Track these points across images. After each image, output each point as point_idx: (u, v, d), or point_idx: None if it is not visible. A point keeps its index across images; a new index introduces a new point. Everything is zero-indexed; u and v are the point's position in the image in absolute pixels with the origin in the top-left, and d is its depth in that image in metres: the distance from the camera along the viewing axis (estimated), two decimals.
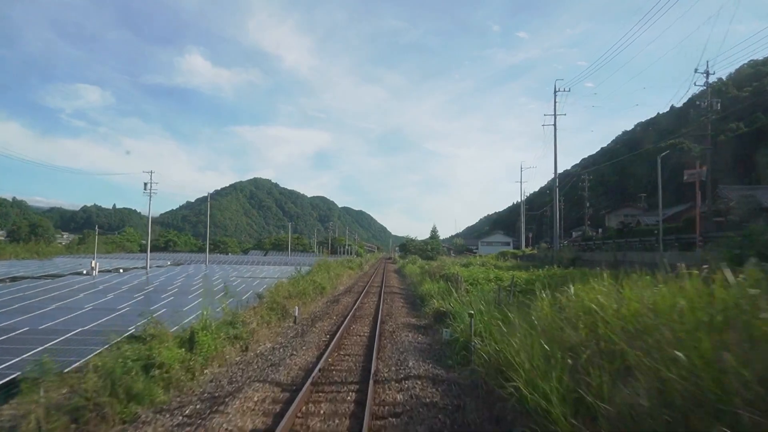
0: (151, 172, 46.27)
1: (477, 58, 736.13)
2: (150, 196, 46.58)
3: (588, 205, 61.51)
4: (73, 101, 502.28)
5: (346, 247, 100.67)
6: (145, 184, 45.76)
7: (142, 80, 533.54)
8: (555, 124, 30.72)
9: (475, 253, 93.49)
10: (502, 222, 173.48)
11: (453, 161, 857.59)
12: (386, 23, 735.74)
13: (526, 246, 70.04)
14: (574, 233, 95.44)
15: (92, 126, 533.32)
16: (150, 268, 50.93)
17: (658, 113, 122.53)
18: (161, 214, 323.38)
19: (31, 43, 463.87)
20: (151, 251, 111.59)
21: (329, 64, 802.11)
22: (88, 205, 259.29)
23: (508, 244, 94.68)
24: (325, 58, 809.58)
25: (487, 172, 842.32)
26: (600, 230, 50.37)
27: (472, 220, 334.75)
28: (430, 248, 75.46)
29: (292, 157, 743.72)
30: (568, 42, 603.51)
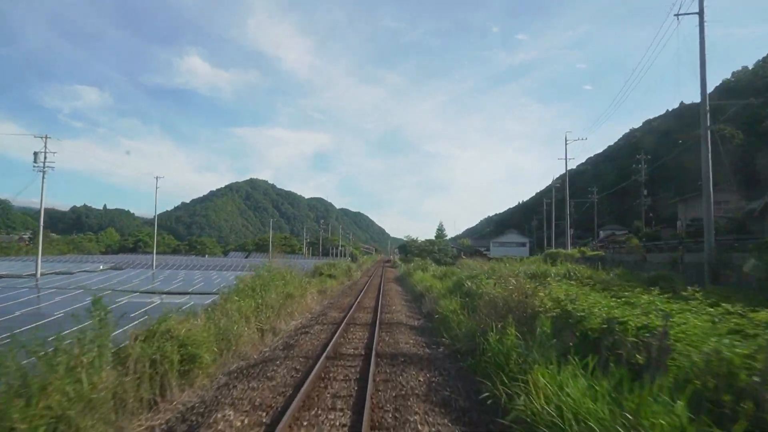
0: (46, 137, 31.15)
1: (477, 59, 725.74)
2: (44, 172, 31.44)
3: (646, 193, 46.64)
4: (72, 102, 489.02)
5: (339, 248, 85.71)
6: (36, 154, 30.65)
7: (141, 81, 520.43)
8: (701, 11, 15.81)
9: (486, 254, 79.00)
10: (505, 223, 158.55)
11: (452, 163, 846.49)
12: (386, 23, 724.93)
13: (566, 246, 54.91)
14: (602, 232, 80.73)
15: (91, 127, 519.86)
16: (79, 273, 36.09)
17: (667, 110, 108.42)
18: (156, 215, 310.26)
19: (30, 43, 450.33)
20: (118, 253, 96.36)
21: (328, 65, 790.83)
22: (78, 205, 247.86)
23: (524, 245, 79.96)
24: (324, 59, 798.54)
25: (487, 173, 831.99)
26: (680, 224, 35.57)
27: (472, 221, 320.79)
28: (437, 249, 60.31)
29: (290, 159, 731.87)
30: (568, 44, 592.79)
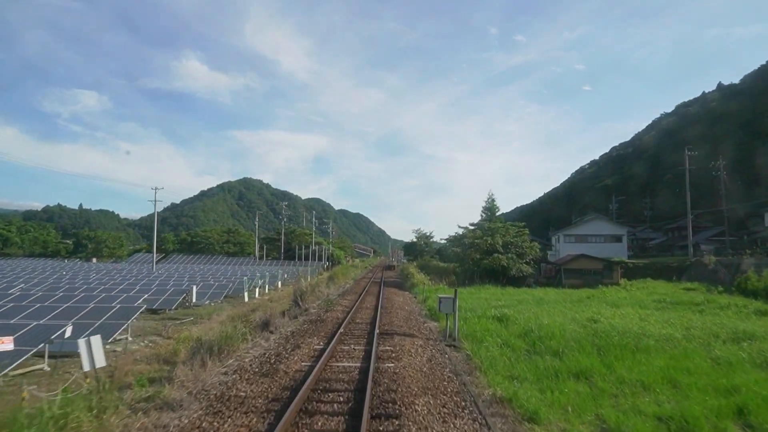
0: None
1: (475, 61, 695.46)
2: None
3: None
4: (71, 106, 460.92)
5: (312, 247, 51.08)
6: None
7: (139, 84, 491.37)
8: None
9: (550, 256, 44.74)
10: (521, 220, 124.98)
11: (451, 165, 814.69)
12: (385, 25, 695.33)
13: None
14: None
15: (90, 130, 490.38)
16: None
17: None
18: (141, 217, 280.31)
19: (29, 47, 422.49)
20: None
21: (327, 68, 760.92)
22: (51, 205, 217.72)
23: (618, 239, 45.25)
24: (323, 62, 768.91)
25: (486, 174, 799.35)
26: None
27: (473, 222, 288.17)
28: (500, 243, 25.33)
29: (290, 162, 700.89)
30: (566, 45, 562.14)
